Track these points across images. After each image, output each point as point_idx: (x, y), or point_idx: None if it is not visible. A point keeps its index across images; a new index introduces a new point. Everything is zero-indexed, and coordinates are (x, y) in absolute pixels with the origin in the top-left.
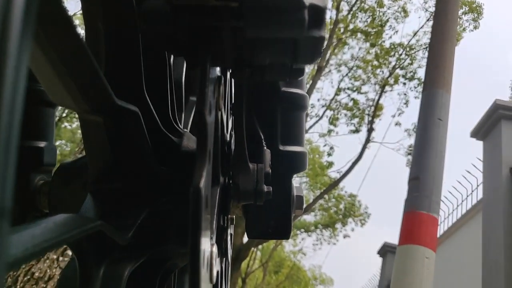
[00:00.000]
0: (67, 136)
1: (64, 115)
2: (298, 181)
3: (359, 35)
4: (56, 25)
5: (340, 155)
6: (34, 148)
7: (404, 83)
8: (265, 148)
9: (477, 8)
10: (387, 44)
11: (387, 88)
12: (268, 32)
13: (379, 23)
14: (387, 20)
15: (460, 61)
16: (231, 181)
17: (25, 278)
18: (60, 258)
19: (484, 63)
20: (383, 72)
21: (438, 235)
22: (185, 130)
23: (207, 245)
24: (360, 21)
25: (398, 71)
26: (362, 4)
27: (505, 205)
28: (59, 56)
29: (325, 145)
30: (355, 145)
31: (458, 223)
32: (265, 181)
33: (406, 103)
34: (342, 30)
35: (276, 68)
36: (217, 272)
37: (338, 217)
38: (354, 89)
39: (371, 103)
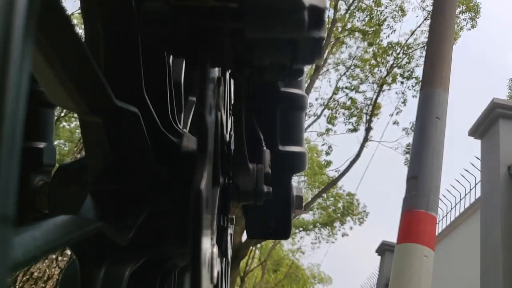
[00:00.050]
0: (66, 135)
1: (62, 114)
2: (296, 180)
3: (357, 34)
4: (55, 25)
5: (338, 154)
6: (34, 149)
7: (402, 82)
8: (265, 148)
9: (475, 7)
10: (384, 43)
11: (385, 87)
12: (267, 33)
13: (377, 22)
14: (385, 19)
15: (458, 60)
16: (231, 182)
17: (24, 278)
18: (59, 258)
19: (482, 62)
20: (381, 71)
21: (436, 234)
22: (184, 130)
23: (207, 245)
24: (358, 20)
25: (396, 70)
26: (360, 3)
27: (503, 204)
28: (58, 57)
29: (323, 144)
30: (353, 144)
31: (456, 221)
32: (265, 181)
33: (404, 102)
34: (340, 29)
35: (275, 68)
36: (218, 272)
37: (337, 216)
38: (352, 88)
39: (369, 102)
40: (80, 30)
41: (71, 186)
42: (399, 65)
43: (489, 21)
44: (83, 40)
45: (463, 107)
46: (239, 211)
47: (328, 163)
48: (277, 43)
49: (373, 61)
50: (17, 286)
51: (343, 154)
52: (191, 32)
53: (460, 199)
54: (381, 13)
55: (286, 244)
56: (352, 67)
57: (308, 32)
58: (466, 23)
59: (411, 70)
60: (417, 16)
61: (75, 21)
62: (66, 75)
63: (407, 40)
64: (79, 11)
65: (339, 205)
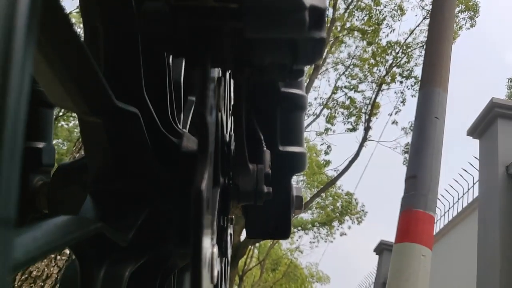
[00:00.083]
0: (64, 135)
1: (60, 114)
2: (295, 179)
3: (356, 33)
4: (55, 25)
5: (337, 154)
6: (33, 148)
7: (401, 82)
8: (265, 148)
9: (474, 6)
10: (384, 43)
11: (384, 86)
12: (268, 33)
13: (376, 21)
14: (384, 19)
15: (457, 60)
16: (231, 182)
17: (23, 277)
18: (58, 257)
19: (480, 62)
20: (380, 71)
21: (434, 233)
22: (184, 130)
23: (208, 246)
24: (357, 20)
25: (395, 69)
26: (359, 3)
27: (501, 203)
28: (58, 57)
29: (322, 144)
30: (352, 143)
31: (454, 221)
32: (265, 181)
33: (403, 101)
34: (339, 28)
35: (276, 68)
36: (217, 272)
37: (335, 215)
38: (351, 87)
39: (368, 101)
40: (79, 30)
41: (70, 186)
42: (398, 64)
43: (488, 21)
44: (83, 40)
45: (462, 106)
46: (239, 211)
47: (327, 162)
48: (277, 43)
49: (372, 61)
50: (15, 285)
51: (342, 153)
52: (191, 32)
53: (458, 199)
54: (380, 12)
55: (284, 243)
56: (351, 67)
57: (309, 32)
58: (465, 22)
59: (410, 69)
60: (416, 15)
61: (73, 20)
62: (66, 75)
63: (406, 39)
64: (77, 10)
65: (338, 204)
